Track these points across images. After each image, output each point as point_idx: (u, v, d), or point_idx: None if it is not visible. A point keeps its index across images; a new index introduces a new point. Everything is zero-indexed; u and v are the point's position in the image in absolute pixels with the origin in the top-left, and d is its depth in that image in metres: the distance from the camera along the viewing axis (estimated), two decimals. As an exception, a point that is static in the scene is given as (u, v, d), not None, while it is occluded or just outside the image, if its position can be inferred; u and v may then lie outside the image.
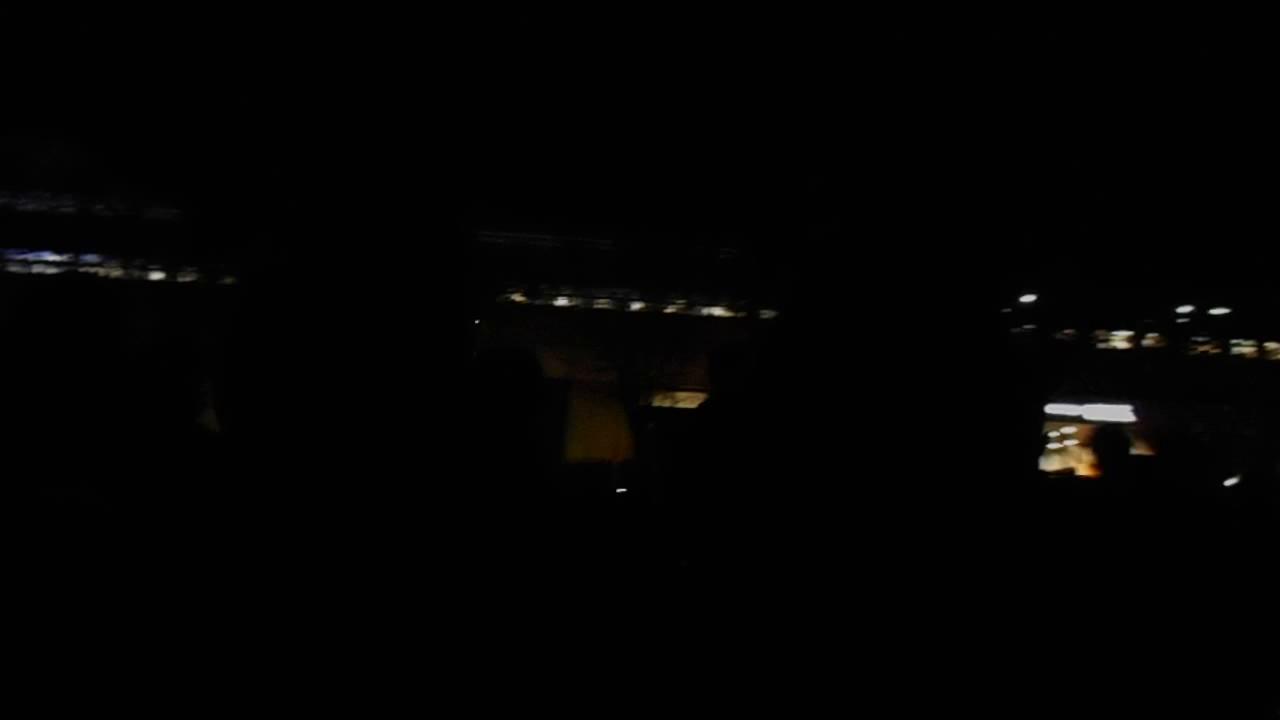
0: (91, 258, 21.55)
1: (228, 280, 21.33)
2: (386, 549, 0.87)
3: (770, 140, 21.28)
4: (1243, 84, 19.20)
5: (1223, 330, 23.86)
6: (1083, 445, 14.76)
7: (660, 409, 23.13)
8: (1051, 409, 19.57)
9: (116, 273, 21.37)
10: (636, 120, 24.32)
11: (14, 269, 22.08)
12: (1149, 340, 24.64)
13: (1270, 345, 25.55)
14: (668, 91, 24.55)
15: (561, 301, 24.97)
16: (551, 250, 23.85)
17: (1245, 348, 24.91)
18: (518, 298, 24.17)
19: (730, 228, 21.27)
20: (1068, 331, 22.62)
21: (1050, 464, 15.57)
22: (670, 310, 23.74)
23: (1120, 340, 24.87)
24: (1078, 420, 21.04)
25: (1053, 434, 19.52)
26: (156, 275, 23.01)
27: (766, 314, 22.55)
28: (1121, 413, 22.39)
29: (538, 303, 24.44)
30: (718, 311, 24.45)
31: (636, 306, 23.85)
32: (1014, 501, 1.05)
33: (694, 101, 25.11)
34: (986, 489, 1.01)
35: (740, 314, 23.28)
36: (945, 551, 0.97)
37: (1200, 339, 23.90)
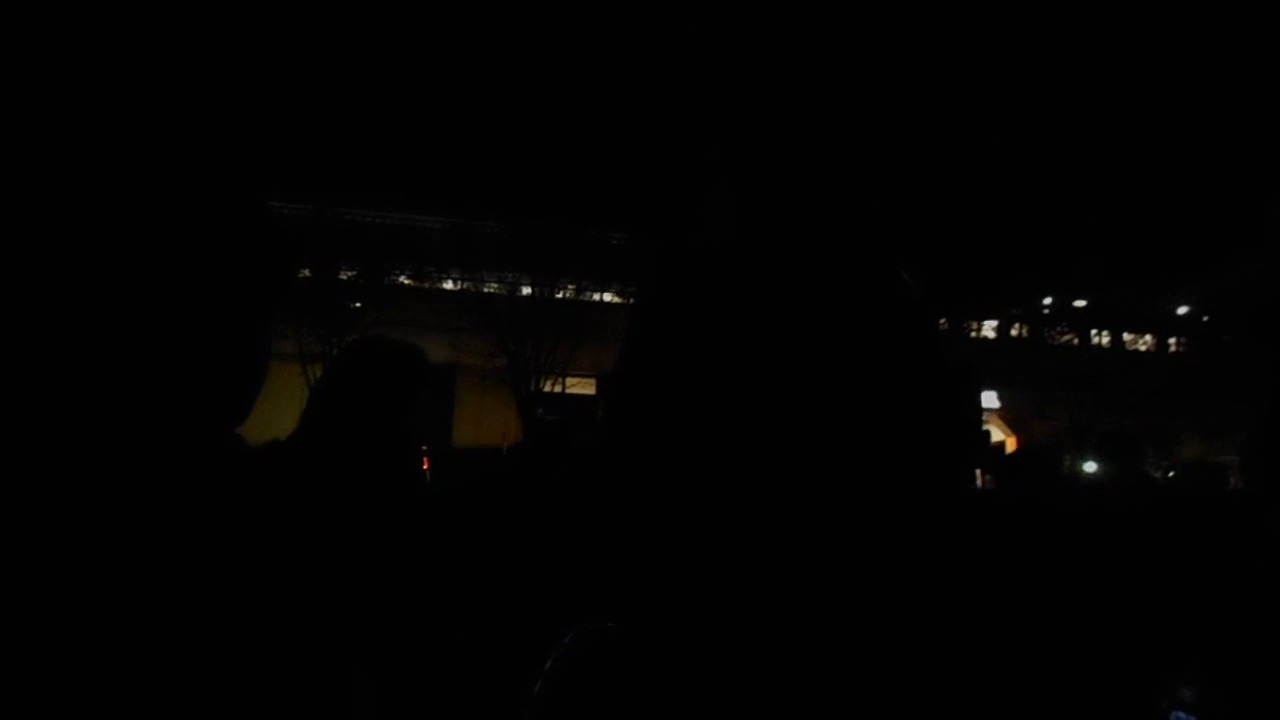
0: None
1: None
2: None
3: (664, 126, 21.39)
4: (1109, 89, 20.38)
5: (1082, 321, 25.34)
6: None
7: (550, 394, 23.05)
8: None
9: None
10: (528, 100, 24.05)
11: None
12: (1015, 330, 25.94)
13: (1127, 336, 27.35)
14: (560, 72, 24.36)
15: (449, 285, 24.54)
16: (439, 232, 23.39)
17: (1103, 338, 26.56)
18: (405, 280, 23.63)
19: (621, 213, 21.32)
20: (942, 322, 23.63)
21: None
22: (560, 295, 23.63)
23: (989, 330, 26.09)
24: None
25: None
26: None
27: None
28: (989, 399, 23.55)
29: (425, 286, 23.96)
30: (608, 297, 24.48)
31: (526, 291, 23.64)
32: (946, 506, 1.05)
33: (588, 85, 24.98)
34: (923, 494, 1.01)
35: (630, 300, 23.36)
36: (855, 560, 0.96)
37: (1061, 329, 25.32)
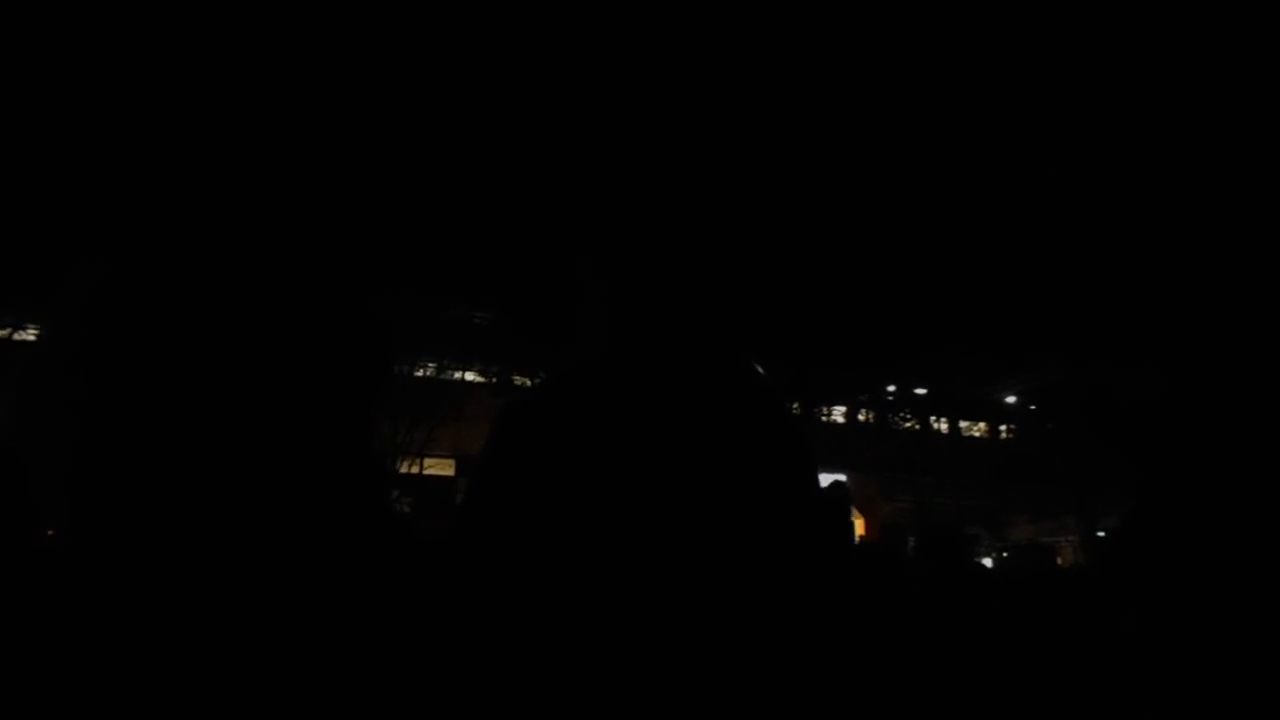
0: None
1: None
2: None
3: (526, 207, 21.63)
4: (955, 179, 21.99)
5: (923, 409, 26.83)
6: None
7: (406, 475, 22.39)
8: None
9: None
10: (389, 175, 23.88)
11: None
12: (862, 415, 27.18)
13: (963, 423, 29.09)
14: (420, 146, 24.35)
15: (303, 360, 23.68)
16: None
17: (942, 425, 28.16)
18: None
19: (484, 291, 21.26)
20: (794, 406, 24.52)
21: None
22: (420, 374, 23.18)
23: (838, 415, 27.23)
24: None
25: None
26: None
27: (519, 380, 22.61)
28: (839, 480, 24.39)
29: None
30: (470, 376, 24.19)
31: (384, 368, 23.04)
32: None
33: (450, 160, 25.05)
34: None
35: (492, 379, 23.17)
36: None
37: (905, 415, 26.71)
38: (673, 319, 1.25)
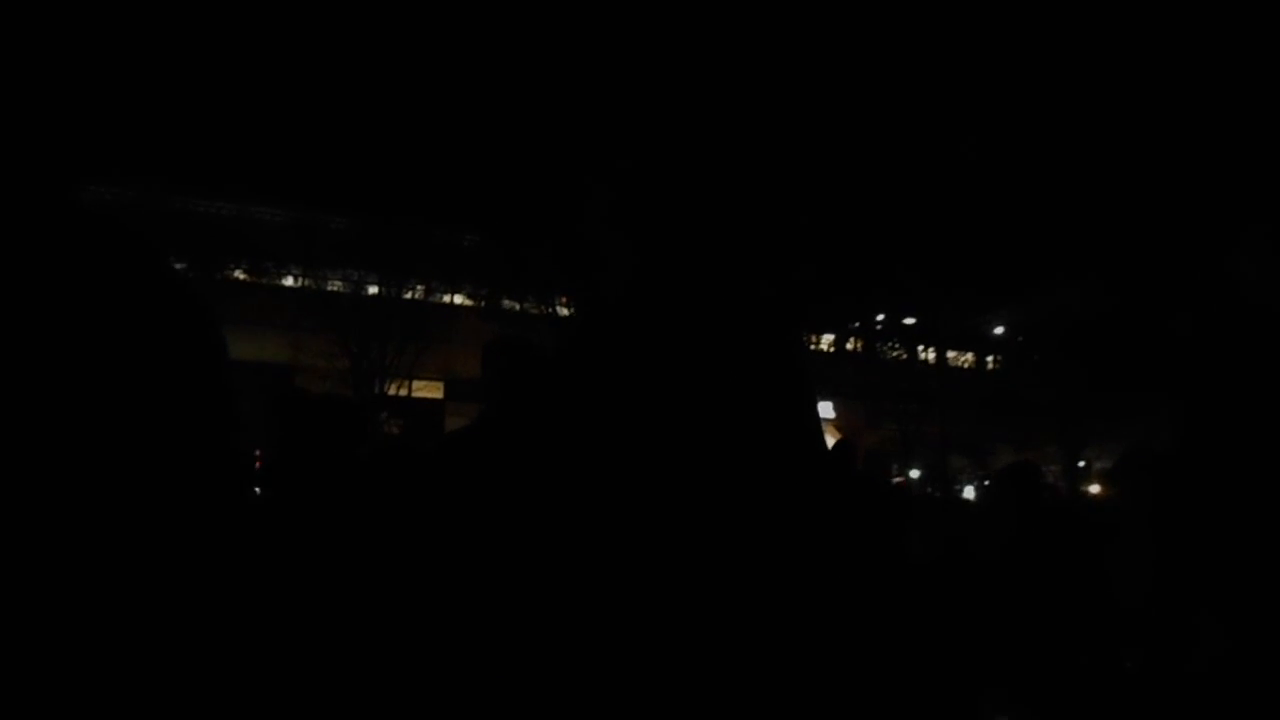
0: None
1: None
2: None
3: (519, 127, 21.25)
4: (927, 107, 21.76)
5: (911, 339, 26.92)
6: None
7: (395, 398, 22.44)
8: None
9: None
10: (383, 91, 23.36)
11: None
12: (850, 344, 27.26)
13: (950, 353, 29.25)
14: (415, 65, 23.78)
15: (289, 281, 23.48)
16: (278, 225, 22.35)
17: (929, 355, 28.29)
18: (240, 275, 22.44)
19: (474, 213, 20.99)
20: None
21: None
22: (409, 296, 23.01)
23: (825, 344, 27.30)
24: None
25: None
26: None
27: (508, 304, 22.51)
28: (825, 409, 24.62)
29: (262, 281, 22.82)
30: (459, 299, 24.05)
31: (372, 290, 22.90)
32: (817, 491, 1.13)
33: (442, 79, 24.52)
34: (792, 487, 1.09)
35: (480, 303, 23.04)
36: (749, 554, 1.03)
37: (892, 345, 26.79)
38: (694, 249, 1.25)
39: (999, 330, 29.01)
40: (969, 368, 30.30)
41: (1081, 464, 26.19)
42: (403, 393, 22.60)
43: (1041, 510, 3.34)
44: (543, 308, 22.31)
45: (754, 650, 1.00)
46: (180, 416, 0.84)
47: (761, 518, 1.07)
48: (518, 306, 22.44)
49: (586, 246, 1.30)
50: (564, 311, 22.30)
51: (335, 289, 22.86)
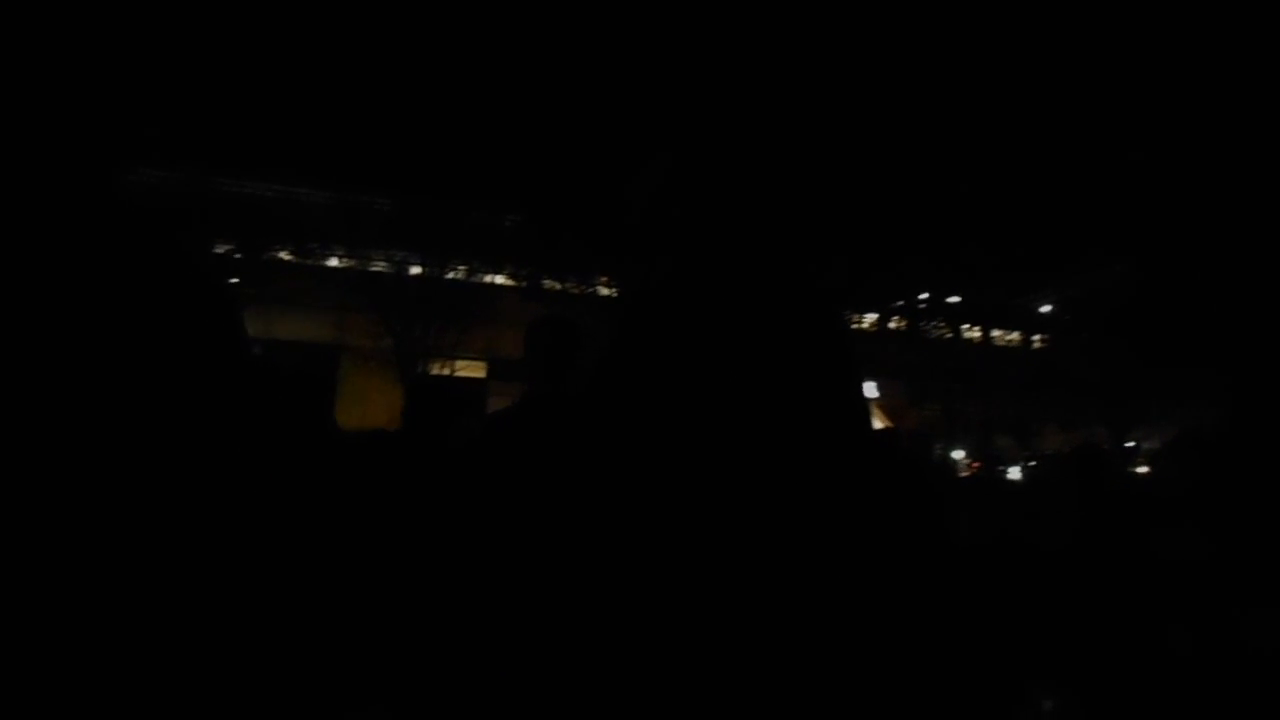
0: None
1: None
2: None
3: (560, 109, 21.24)
4: (976, 89, 21.33)
5: (955, 317, 26.53)
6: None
7: (438, 377, 22.67)
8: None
9: None
10: (426, 76, 23.45)
11: None
12: (893, 323, 26.95)
13: (995, 332, 28.81)
14: (458, 49, 23.83)
15: (333, 262, 23.76)
16: (323, 206, 22.61)
17: (974, 334, 27.89)
18: (286, 256, 22.75)
19: (515, 194, 21.06)
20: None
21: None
22: (451, 276, 23.19)
23: (868, 322, 27.02)
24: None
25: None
26: None
27: (548, 283, 22.58)
28: (869, 388, 24.40)
29: (308, 262, 23.12)
30: (500, 280, 24.18)
31: (415, 271, 23.11)
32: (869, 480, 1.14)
33: (484, 62, 24.54)
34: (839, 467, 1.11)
35: (522, 283, 23.14)
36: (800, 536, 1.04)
37: (936, 324, 26.44)
38: (742, 230, 1.26)
39: (1046, 308, 28.49)
40: (1014, 347, 29.81)
41: (1130, 444, 25.72)
42: (446, 372, 22.84)
43: (1106, 497, 3.28)
44: (583, 287, 22.36)
45: (806, 629, 1.01)
46: (193, 397, 0.86)
47: (810, 500, 1.08)
48: (558, 286, 22.51)
49: (636, 227, 1.32)
50: (604, 291, 22.33)
51: (379, 269, 23.12)
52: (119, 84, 0.98)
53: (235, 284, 20.79)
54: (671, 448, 1.06)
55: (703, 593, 1.02)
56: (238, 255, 21.36)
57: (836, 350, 1.20)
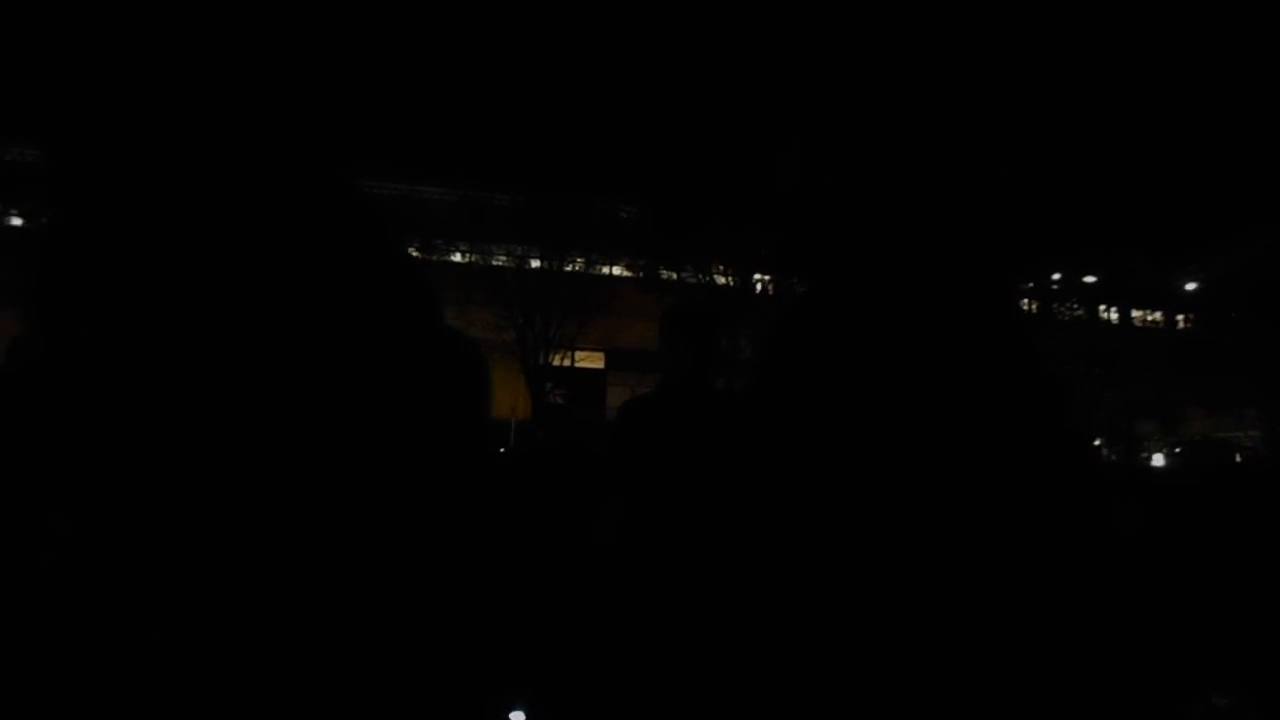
0: None
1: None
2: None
3: (679, 101, 21.26)
4: (1118, 76, 20.25)
5: (1091, 297, 25.27)
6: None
7: (558, 368, 23.09)
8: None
9: None
10: (539, 72, 23.86)
11: None
12: (1025, 305, 25.87)
13: (1135, 312, 27.30)
14: (569, 43, 24.15)
15: (457, 257, 24.49)
16: (447, 204, 23.32)
17: (1111, 314, 26.50)
18: (413, 252, 23.58)
19: (631, 187, 21.24)
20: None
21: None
22: (570, 269, 23.57)
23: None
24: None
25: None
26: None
27: (665, 274, 22.67)
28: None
29: (433, 258, 23.91)
30: (617, 271, 24.43)
31: (535, 264, 23.59)
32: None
33: (597, 57, 24.78)
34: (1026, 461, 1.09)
35: (639, 274, 23.32)
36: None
37: (1071, 305, 25.25)
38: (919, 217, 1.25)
39: (1190, 286, 26.82)
40: (1155, 327, 28.19)
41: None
42: (566, 363, 23.24)
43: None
44: (700, 277, 22.36)
45: (1005, 631, 1.01)
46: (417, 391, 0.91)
47: (996, 499, 1.07)
48: (674, 276, 22.58)
49: (787, 196, 1.32)
50: (720, 280, 22.26)
51: (500, 263, 23.69)
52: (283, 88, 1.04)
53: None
54: (851, 448, 1.07)
55: (885, 596, 1.02)
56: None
57: (1017, 344, 1.19)
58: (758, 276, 23.26)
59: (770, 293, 23.13)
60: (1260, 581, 2.90)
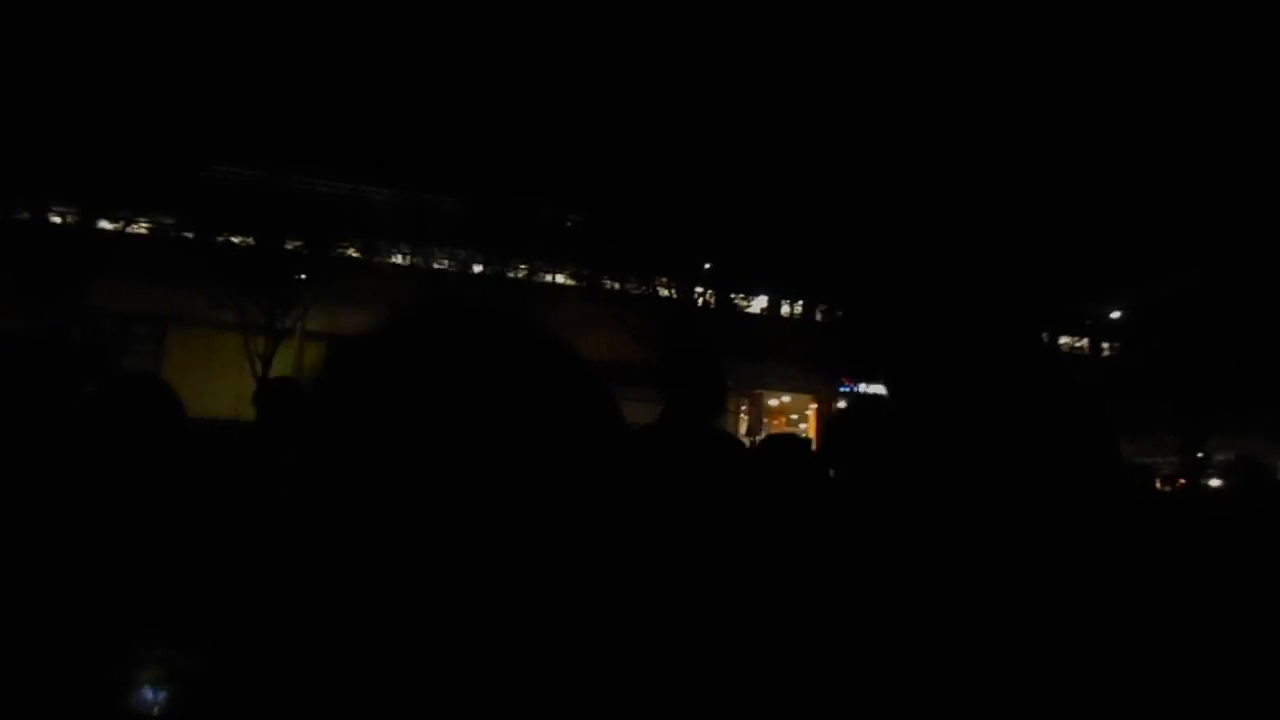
0: None
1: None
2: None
3: (627, 107, 21.34)
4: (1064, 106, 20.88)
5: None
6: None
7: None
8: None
9: None
10: (486, 75, 23.74)
11: None
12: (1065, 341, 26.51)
13: (1063, 339, 28.10)
14: (522, 50, 24.09)
15: (399, 260, 24.17)
16: (390, 205, 23.02)
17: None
18: (353, 253, 23.22)
19: (576, 194, 21.22)
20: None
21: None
22: (513, 275, 23.42)
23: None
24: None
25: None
26: None
27: (609, 284, 22.68)
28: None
29: (374, 260, 23.57)
30: (561, 279, 24.35)
31: (478, 269, 23.42)
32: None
33: (548, 56, 24.74)
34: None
35: (582, 283, 23.28)
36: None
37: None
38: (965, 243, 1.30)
39: (1116, 315, 27.71)
40: (1079, 353, 29.05)
41: (1200, 454, 24.88)
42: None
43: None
44: (644, 287, 22.41)
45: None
46: None
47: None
48: (618, 286, 22.59)
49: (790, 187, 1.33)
50: (664, 292, 22.34)
51: (442, 267, 23.46)
52: (207, 84, 1.02)
53: (304, 279, 21.30)
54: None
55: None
56: (306, 251, 21.85)
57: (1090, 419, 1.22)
58: (699, 290, 23.43)
59: (711, 305, 23.31)
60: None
